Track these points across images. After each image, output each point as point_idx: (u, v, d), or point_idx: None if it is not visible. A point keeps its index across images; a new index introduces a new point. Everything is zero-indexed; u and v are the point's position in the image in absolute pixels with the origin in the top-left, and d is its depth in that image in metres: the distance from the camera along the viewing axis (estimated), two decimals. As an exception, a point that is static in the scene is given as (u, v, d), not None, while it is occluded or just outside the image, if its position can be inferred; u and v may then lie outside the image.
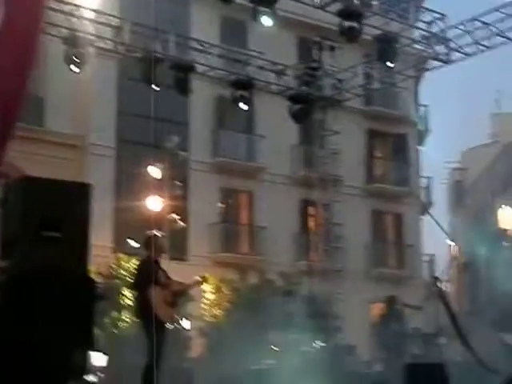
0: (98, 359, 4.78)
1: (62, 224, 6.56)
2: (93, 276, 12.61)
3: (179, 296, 10.72)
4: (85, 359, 4.87)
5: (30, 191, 6.70)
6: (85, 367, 4.87)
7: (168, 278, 10.67)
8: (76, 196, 6.84)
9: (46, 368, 5.79)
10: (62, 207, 6.64)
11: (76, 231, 6.67)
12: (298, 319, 17.89)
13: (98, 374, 4.54)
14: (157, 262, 10.57)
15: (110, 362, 12.97)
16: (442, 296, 15.71)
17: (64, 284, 6.32)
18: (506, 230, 47.60)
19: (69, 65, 17.52)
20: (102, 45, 18.71)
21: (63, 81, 24.35)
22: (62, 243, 6.49)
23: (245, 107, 20.29)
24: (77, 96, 26.57)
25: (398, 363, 13.95)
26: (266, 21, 15.60)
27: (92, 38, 18.03)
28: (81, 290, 6.39)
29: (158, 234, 10.98)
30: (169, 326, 10.52)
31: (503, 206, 47.69)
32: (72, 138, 26.50)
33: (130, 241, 21.51)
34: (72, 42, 17.43)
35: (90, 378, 4.82)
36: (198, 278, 11.26)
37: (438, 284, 16.28)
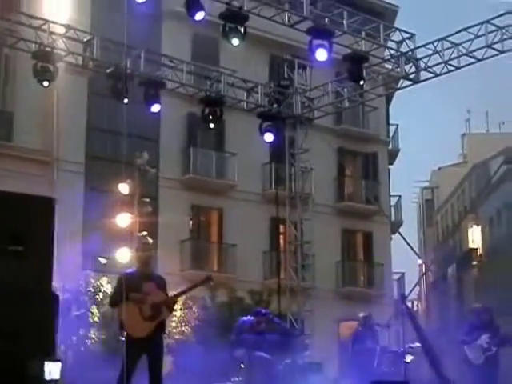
0: (55, 371, 4.73)
1: (24, 238, 6.48)
2: (58, 292, 12.51)
3: (160, 308, 10.39)
4: (41, 371, 4.82)
5: (-8, 204, 6.63)
6: (41, 379, 4.82)
7: (159, 287, 10.49)
8: (40, 210, 6.77)
9: (3, 381, 5.73)
10: (25, 221, 6.56)
11: (39, 245, 6.60)
12: (267, 336, 17.85)
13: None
14: (142, 274, 10.46)
15: (70, 375, 12.87)
16: (409, 314, 15.75)
17: (26, 298, 6.24)
18: (475, 250, 47.95)
19: (38, 80, 17.42)
20: (72, 60, 18.65)
21: (33, 96, 24.27)
22: (25, 257, 6.41)
23: (214, 125, 20.28)
24: (46, 111, 26.46)
25: (365, 381, 13.92)
26: (235, 41, 15.61)
27: (62, 53, 17.96)
28: (43, 305, 6.32)
29: (146, 235, 10.91)
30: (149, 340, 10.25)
31: (473, 225, 48.07)
32: (41, 154, 26.35)
33: (99, 258, 21.37)
34: (41, 56, 17.34)
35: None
36: (208, 275, 11.29)
37: (406, 302, 16.31)
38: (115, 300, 10.53)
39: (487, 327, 14.61)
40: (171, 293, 10.76)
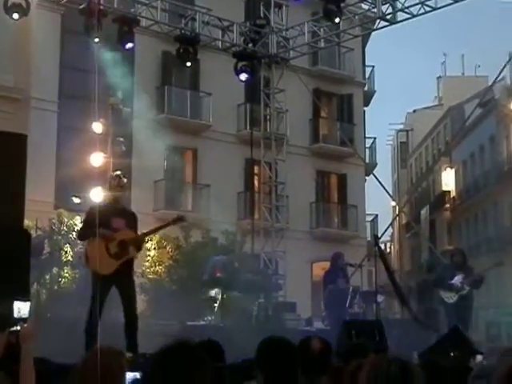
0: (24, 310, 4.69)
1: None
2: (30, 230, 12.44)
3: (127, 246, 10.30)
4: (10, 309, 4.79)
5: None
6: (10, 317, 4.79)
7: (128, 224, 10.38)
8: (11, 147, 6.70)
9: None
10: (-5, 157, 6.50)
11: (10, 182, 6.54)
12: (241, 276, 17.97)
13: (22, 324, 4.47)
14: (112, 209, 10.32)
15: (41, 314, 12.89)
16: (381, 255, 15.88)
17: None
18: (448, 192, 48.27)
19: (9, 14, 17.09)
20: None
21: (4, 33, 23.84)
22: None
23: (189, 64, 20.11)
24: (19, 49, 26.05)
25: (338, 320, 14.06)
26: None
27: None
28: (14, 241, 6.28)
29: (120, 184, 10.68)
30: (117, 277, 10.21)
31: (447, 168, 48.31)
32: (14, 92, 26.01)
33: (72, 197, 21.25)
34: (13, -9, 17.01)
35: (17, 327, 4.72)
36: (180, 215, 11.15)
37: (379, 243, 16.42)
38: (83, 233, 10.49)
39: (460, 268, 14.78)
40: (141, 232, 10.66)
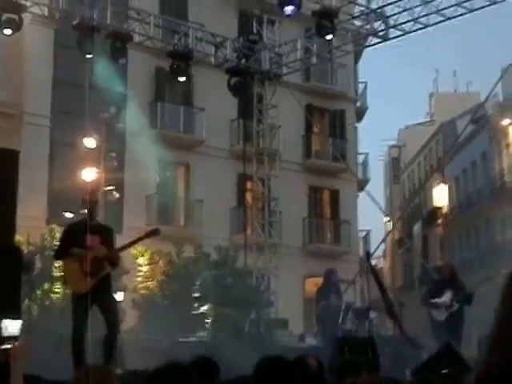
0: (14, 328, 4.65)
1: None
2: (22, 246, 12.38)
3: (101, 263, 10.27)
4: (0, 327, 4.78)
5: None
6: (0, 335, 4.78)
7: (103, 241, 10.32)
8: (3, 162, 6.68)
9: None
10: (-13, 173, 6.47)
11: (1, 198, 6.51)
12: (232, 292, 17.93)
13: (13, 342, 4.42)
14: (87, 226, 10.26)
15: (32, 330, 12.83)
16: (373, 271, 15.84)
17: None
18: (440, 208, 48.32)
19: (1, 29, 17.08)
20: (37, 11, 18.34)
21: (-2, 48, 23.86)
22: (-13, 210, 6.33)
23: (183, 79, 20.14)
24: (12, 64, 26.05)
25: (331, 337, 14.02)
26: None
27: (27, 3, 17.65)
28: (4, 258, 6.24)
29: (92, 199, 10.68)
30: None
31: (439, 184, 48.37)
32: (6, 106, 26.00)
33: (64, 212, 21.23)
34: (6, 7, 17.00)
35: (4, 346, 4.70)
36: (155, 228, 11.10)
37: (371, 259, 16.41)
38: (58, 254, 10.47)
39: (450, 284, 14.72)
40: (117, 247, 10.62)
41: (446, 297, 14.54)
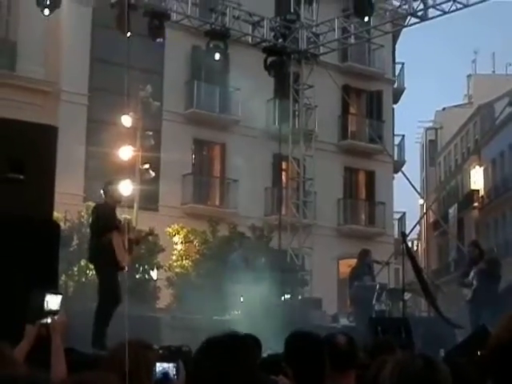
0: (55, 303, 4.72)
1: (26, 166, 6.43)
2: (60, 222, 12.61)
3: (134, 244, 10.96)
4: (42, 301, 4.86)
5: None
6: (42, 309, 4.86)
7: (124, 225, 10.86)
8: (41, 138, 6.71)
9: (4, 310, 5.76)
10: (26, 149, 6.51)
11: (40, 174, 6.56)
12: (267, 272, 17.94)
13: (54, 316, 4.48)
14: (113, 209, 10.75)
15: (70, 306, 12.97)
16: (409, 252, 15.81)
17: (26, 226, 6.22)
18: (476, 191, 47.96)
19: (41, 8, 17.18)
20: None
21: (37, 26, 24.01)
22: (26, 185, 6.37)
23: (219, 58, 20.14)
24: (50, 42, 26.22)
25: (364, 317, 14.03)
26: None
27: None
28: (43, 233, 6.31)
29: (115, 183, 11.20)
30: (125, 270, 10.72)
31: (476, 167, 47.98)
32: (44, 84, 26.19)
33: (101, 190, 21.35)
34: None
35: (47, 320, 4.80)
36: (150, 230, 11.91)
37: (406, 241, 16.34)
38: (112, 224, 10.69)
39: (477, 261, 14.52)
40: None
41: (472, 276, 14.42)
